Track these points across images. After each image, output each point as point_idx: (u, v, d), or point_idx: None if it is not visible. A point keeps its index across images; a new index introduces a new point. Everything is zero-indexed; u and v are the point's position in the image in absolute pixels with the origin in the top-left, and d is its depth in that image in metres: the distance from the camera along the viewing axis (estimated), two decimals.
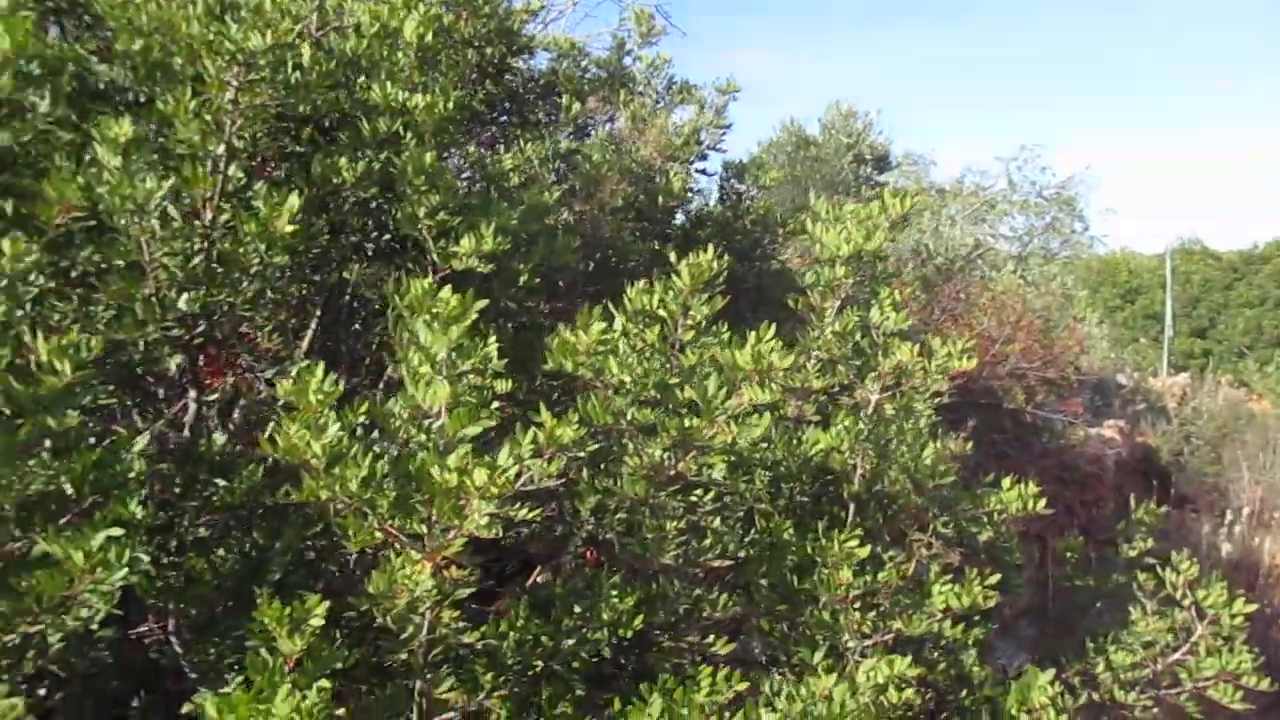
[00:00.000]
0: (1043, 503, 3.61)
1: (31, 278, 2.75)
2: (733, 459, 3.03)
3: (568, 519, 3.82)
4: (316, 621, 2.40)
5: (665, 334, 3.09)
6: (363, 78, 3.81)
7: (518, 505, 2.57)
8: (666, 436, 2.79)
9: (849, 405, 3.71)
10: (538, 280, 3.87)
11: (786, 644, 3.19)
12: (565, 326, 3.21)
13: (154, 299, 3.12)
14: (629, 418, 2.88)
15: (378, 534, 2.50)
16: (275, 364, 3.50)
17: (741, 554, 3.27)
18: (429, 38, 3.95)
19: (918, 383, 3.45)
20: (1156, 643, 3.95)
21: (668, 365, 3.01)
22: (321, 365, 2.58)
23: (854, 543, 3.06)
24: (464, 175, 4.55)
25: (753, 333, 2.75)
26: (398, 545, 2.55)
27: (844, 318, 3.66)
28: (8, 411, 2.53)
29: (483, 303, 2.69)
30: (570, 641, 2.93)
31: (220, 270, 3.25)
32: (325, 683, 2.32)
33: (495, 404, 2.76)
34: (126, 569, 2.38)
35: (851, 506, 3.49)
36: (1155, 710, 3.92)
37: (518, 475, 2.49)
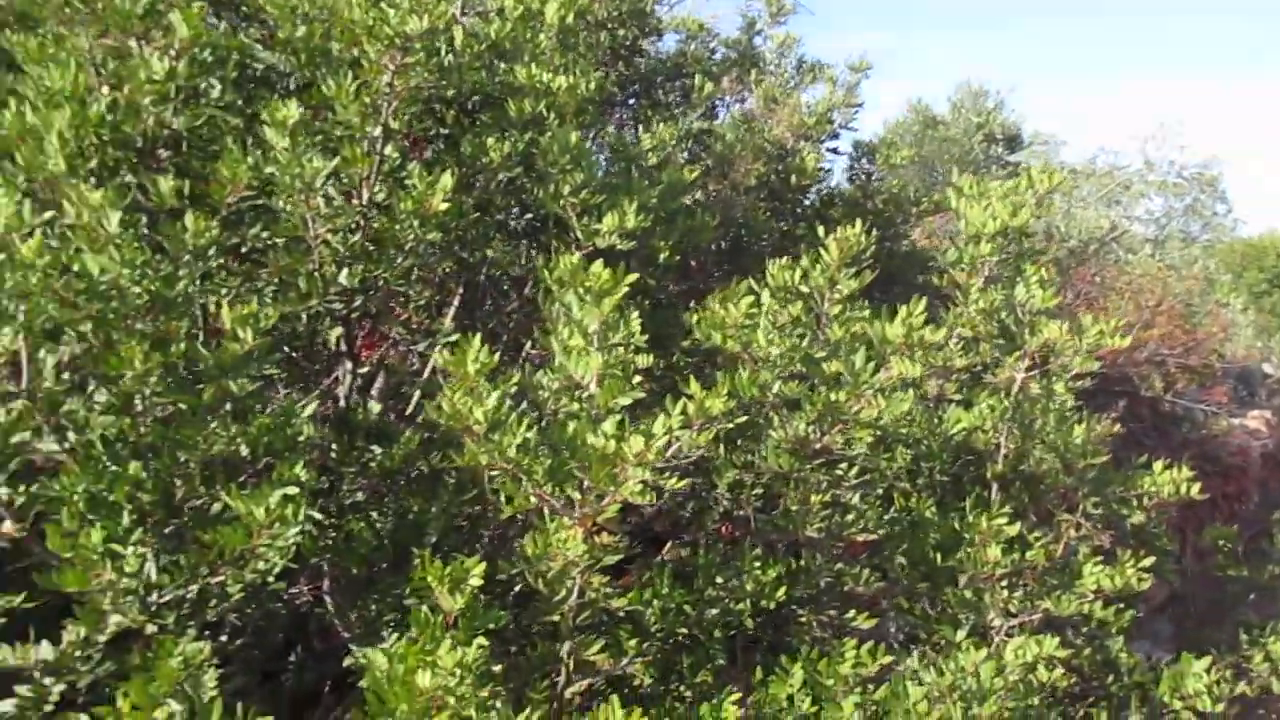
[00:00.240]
0: (1196, 487, 3.49)
1: (211, 253, 2.93)
2: (876, 435, 3.02)
3: (702, 495, 3.87)
4: (475, 581, 2.50)
5: (811, 308, 3.09)
6: (503, 61, 3.91)
7: (666, 475, 2.62)
8: (812, 410, 2.80)
9: (991, 384, 3.65)
10: (676, 258, 3.91)
11: (927, 622, 3.17)
12: (706, 302, 3.24)
13: (317, 274, 3.27)
14: (775, 391, 2.90)
15: (532, 499, 2.59)
16: (426, 337, 3.64)
17: (881, 531, 3.26)
18: (569, 19, 4.02)
19: (1066, 360, 3.36)
20: None
21: (814, 339, 3.02)
22: (478, 337, 2.68)
23: (1003, 520, 3.02)
24: (601, 156, 4.62)
25: (903, 307, 2.74)
26: (549, 511, 2.64)
27: (988, 295, 3.60)
28: (191, 377, 2.71)
29: (633, 276, 2.74)
30: (713, 611, 2.98)
31: (375, 247, 3.39)
32: (483, 639, 2.42)
33: (636, 379, 2.82)
34: (300, 525, 2.52)
35: (994, 486, 3.44)
36: None
37: (667, 445, 2.54)
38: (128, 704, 2.07)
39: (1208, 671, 2.98)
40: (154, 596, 2.50)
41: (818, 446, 2.87)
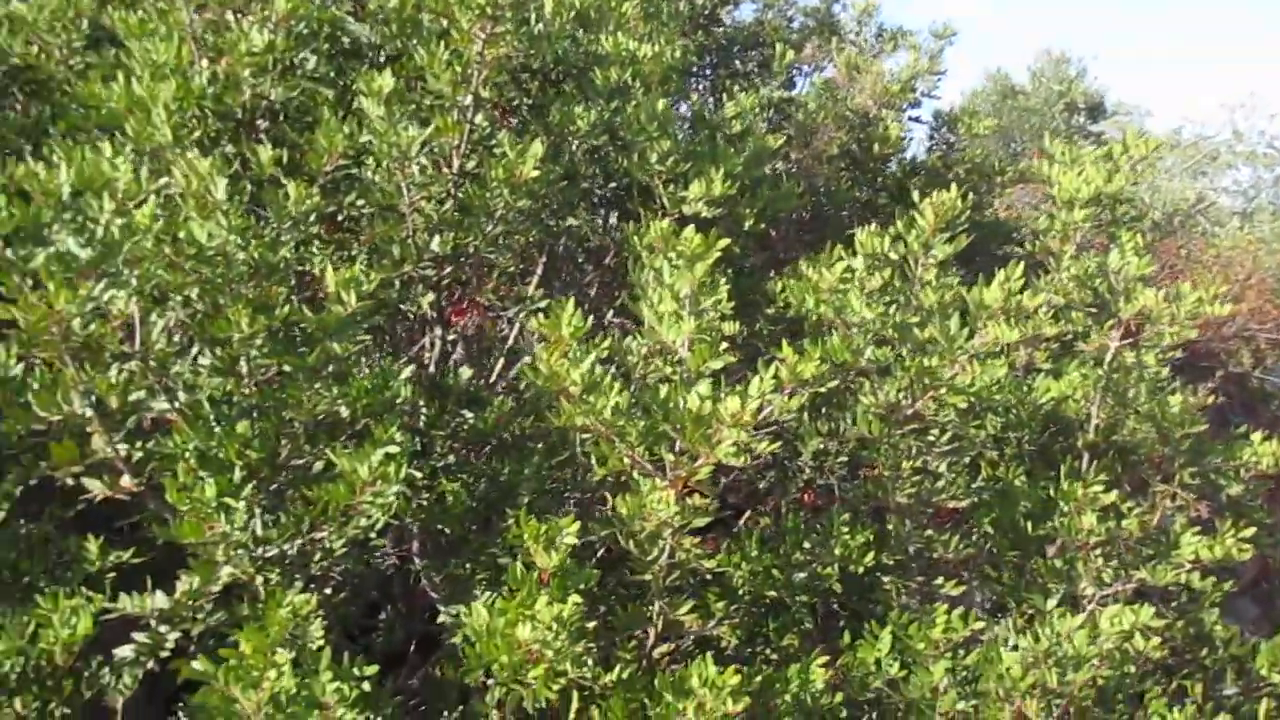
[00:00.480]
0: None
1: (311, 220, 3.01)
2: (968, 402, 3.00)
3: (784, 463, 3.88)
4: (570, 540, 2.54)
5: (905, 274, 3.07)
6: (586, 30, 3.93)
7: (758, 438, 2.64)
8: (904, 375, 2.79)
9: (1082, 354, 3.59)
10: (761, 226, 3.91)
11: (1017, 590, 3.15)
12: (795, 268, 3.24)
13: (410, 241, 3.34)
14: (867, 356, 2.89)
15: (625, 460, 2.62)
16: (517, 303, 3.69)
17: (970, 499, 3.24)
18: None
19: (1163, 328, 3.29)
20: None
21: (905, 305, 3.00)
22: (571, 301, 2.72)
23: (1098, 488, 2.99)
24: (684, 124, 4.62)
25: (1000, 270, 2.71)
26: (641, 473, 2.67)
27: (1080, 262, 3.53)
28: (293, 339, 2.79)
29: (724, 241, 2.75)
30: (801, 575, 2.99)
31: (465, 215, 3.45)
32: (578, 596, 2.46)
33: (723, 345, 2.83)
34: (400, 484, 2.59)
35: (1086, 456, 3.39)
36: None
37: (760, 408, 2.55)
38: (249, 646, 2.15)
39: None
40: (260, 550, 2.59)
41: (909, 412, 2.86)
